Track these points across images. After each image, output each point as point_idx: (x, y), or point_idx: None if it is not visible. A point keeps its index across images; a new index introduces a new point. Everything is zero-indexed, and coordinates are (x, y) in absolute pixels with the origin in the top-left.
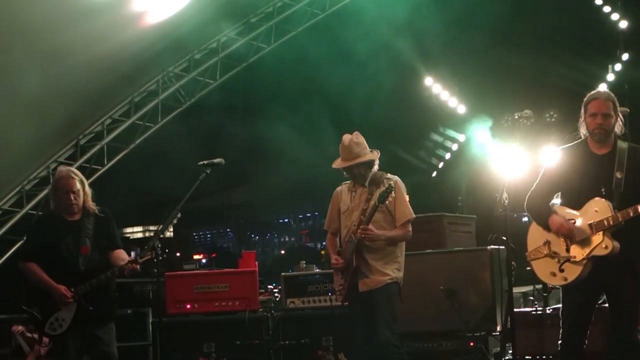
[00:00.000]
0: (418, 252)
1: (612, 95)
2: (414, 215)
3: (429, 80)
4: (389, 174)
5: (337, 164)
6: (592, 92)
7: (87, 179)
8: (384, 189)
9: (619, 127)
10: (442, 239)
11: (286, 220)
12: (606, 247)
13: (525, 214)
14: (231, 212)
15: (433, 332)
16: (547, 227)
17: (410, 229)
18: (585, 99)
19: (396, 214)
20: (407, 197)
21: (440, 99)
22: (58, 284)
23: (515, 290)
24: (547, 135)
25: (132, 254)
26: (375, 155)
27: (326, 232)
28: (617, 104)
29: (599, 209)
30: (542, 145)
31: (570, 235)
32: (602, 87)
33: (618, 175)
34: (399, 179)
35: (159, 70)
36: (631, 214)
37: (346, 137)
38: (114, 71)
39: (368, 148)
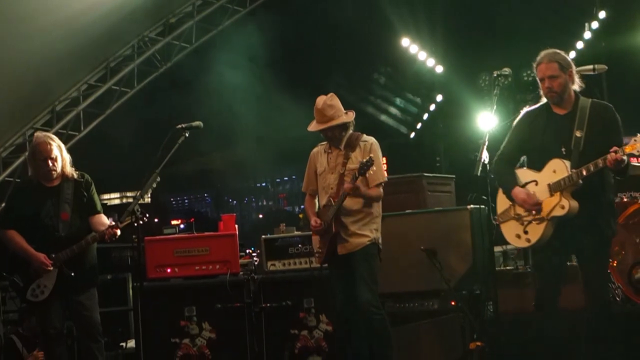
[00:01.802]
0: (398, 213)
1: (559, 54)
2: (387, 179)
3: (405, 41)
4: (364, 135)
5: (312, 126)
6: (538, 57)
7: (64, 144)
8: (365, 160)
9: (577, 84)
10: (421, 199)
11: (264, 184)
12: (563, 207)
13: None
14: (208, 177)
15: (414, 292)
16: (510, 198)
17: (382, 190)
18: (534, 64)
19: (371, 176)
20: (382, 159)
21: (418, 59)
22: (39, 250)
23: (496, 249)
24: (525, 93)
25: (111, 219)
26: (350, 117)
27: (304, 195)
28: (567, 63)
29: (556, 169)
30: (520, 103)
31: (534, 209)
32: (579, 45)
33: (577, 134)
34: (374, 140)
35: (134, 34)
36: (585, 173)
37: (320, 100)
38: (87, 33)
39: (343, 110)
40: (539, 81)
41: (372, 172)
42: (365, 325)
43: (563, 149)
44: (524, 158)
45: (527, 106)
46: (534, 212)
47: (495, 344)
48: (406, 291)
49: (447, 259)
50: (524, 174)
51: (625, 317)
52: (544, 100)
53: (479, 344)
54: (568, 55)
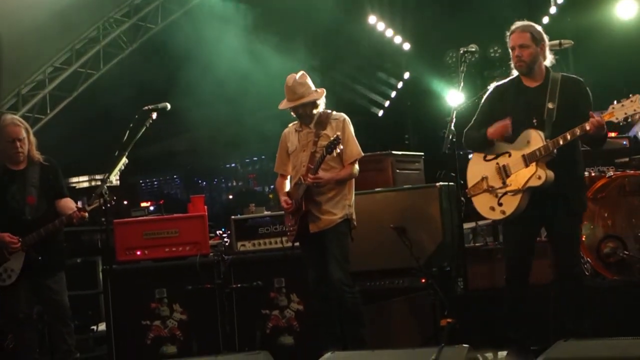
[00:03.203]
0: (367, 191)
1: (533, 26)
2: (362, 154)
3: (372, 19)
4: (334, 112)
5: (283, 104)
6: (512, 26)
7: (31, 128)
8: (332, 139)
9: (549, 60)
10: (390, 177)
11: (232, 165)
12: (539, 177)
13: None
14: (177, 158)
15: (385, 271)
16: (486, 144)
17: (357, 166)
18: (507, 33)
19: (345, 153)
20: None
21: (385, 37)
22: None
23: (465, 225)
24: (492, 70)
25: (80, 202)
26: (320, 95)
27: (274, 175)
28: (540, 35)
29: (531, 139)
30: (487, 80)
31: (508, 130)
32: (545, 20)
33: (550, 105)
34: (346, 116)
35: (99, 16)
36: (561, 142)
37: (290, 78)
38: (52, 15)
39: (313, 87)
40: (510, 50)
41: (340, 150)
42: (337, 303)
43: (535, 121)
44: None
45: (496, 81)
46: (503, 174)
47: (465, 321)
48: (377, 269)
49: (416, 236)
50: (496, 146)
51: (594, 291)
52: (514, 74)
53: (449, 320)
54: None
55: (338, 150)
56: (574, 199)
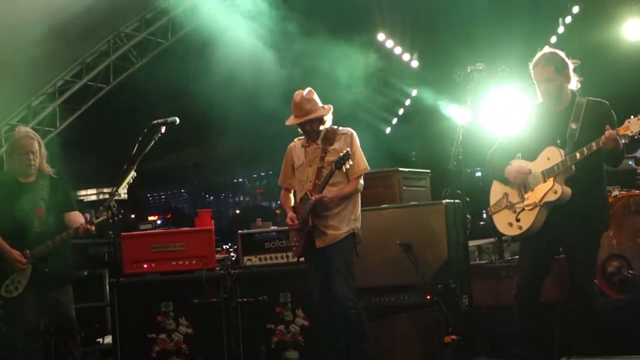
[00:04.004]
0: (373, 208)
1: (556, 56)
2: (369, 169)
3: (381, 36)
4: (341, 128)
5: (290, 120)
6: (535, 58)
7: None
8: (341, 154)
9: (574, 84)
10: (397, 193)
11: (240, 179)
12: (556, 192)
13: (478, 169)
14: (185, 173)
15: (390, 287)
16: (504, 179)
17: (362, 181)
18: (530, 65)
19: (351, 167)
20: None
21: (394, 54)
22: (13, 246)
23: (471, 243)
24: (499, 88)
25: (87, 215)
26: (327, 111)
27: (281, 190)
28: (564, 64)
29: (550, 156)
30: (494, 99)
31: (525, 181)
32: (553, 40)
33: (573, 126)
34: (353, 131)
35: (110, 30)
36: (578, 157)
37: (297, 94)
38: (63, 29)
39: (320, 103)
40: (534, 81)
41: (349, 166)
42: (342, 319)
43: (558, 141)
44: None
45: (511, 98)
46: (522, 190)
47: (470, 338)
48: (382, 285)
49: (422, 253)
50: (517, 163)
51: (598, 310)
52: (539, 97)
53: (454, 337)
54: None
55: (347, 166)
56: (595, 218)
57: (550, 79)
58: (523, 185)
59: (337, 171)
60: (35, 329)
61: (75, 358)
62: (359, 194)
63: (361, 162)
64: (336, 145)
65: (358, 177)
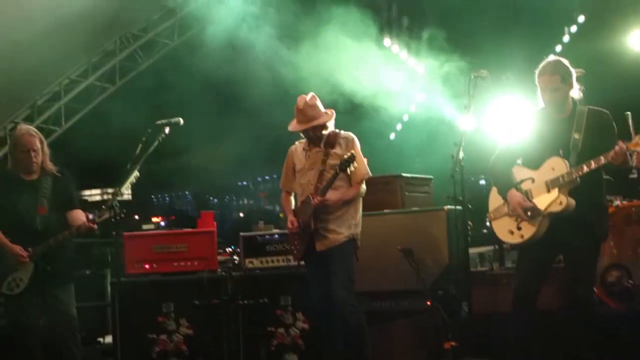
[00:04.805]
0: (375, 213)
1: (561, 65)
2: (370, 174)
3: (387, 41)
4: (342, 132)
5: (292, 126)
6: (540, 66)
7: (45, 139)
8: (346, 157)
9: (577, 93)
10: (399, 199)
11: (244, 183)
12: (561, 203)
13: (482, 177)
14: (189, 175)
15: (390, 292)
16: (505, 199)
17: (364, 186)
18: (537, 70)
19: (353, 172)
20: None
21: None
22: (14, 243)
23: (472, 251)
24: (502, 95)
25: (90, 215)
26: (330, 117)
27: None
28: (569, 73)
29: (555, 167)
30: (497, 105)
31: (525, 215)
32: (558, 49)
33: (575, 136)
34: (354, 136)
35: (117, 30)
36: (585, 170)
37: (300, 100)
38: (70, 28)
39: (323, 109)
40: (539, 89)
41: (354, 169)
42: (342, 323)
43: (561, 150)
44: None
45: (514, 106)
46: (528, 214)
47: (469, 344)
48: (382, 290)
49: (423, 259)
50: (520, 172)
51: (598, 319)
52: (541, 104)
53: (453, 343)
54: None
55: (352, 168)
56: (595, 226)
57: (556, 88)
58: (526, 194)
59: (340, 176)
60: (35, 327)
61: (76, 357)
62: (360, 199)
63: (362, 167)
64: (338, 149)
65: (360, 182)
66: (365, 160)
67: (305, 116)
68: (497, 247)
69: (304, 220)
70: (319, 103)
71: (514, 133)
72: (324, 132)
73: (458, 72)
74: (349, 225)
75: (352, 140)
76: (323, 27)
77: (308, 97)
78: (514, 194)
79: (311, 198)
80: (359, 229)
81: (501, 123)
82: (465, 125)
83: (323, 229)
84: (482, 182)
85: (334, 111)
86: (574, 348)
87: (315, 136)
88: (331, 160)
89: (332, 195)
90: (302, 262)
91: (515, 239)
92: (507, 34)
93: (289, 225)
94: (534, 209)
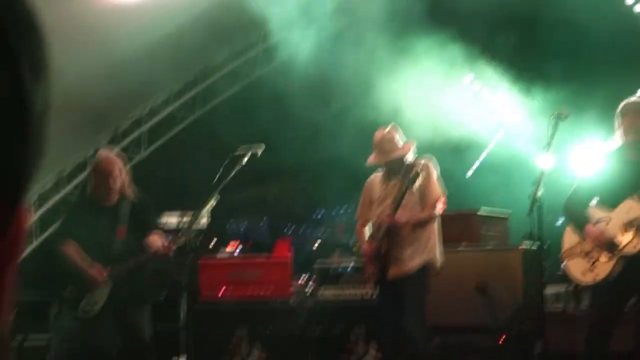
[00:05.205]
0: (451, 249)
1: None
2: (444, 196)
3: (469, 78)
4: (419, 160)
5: (371, 159)
6: (627, 103)
7: (126, 164)
8: (411, 174)
9: None
10: (475, 235)
11: (321, 215)
12: (635, 246)
13: (560, 217)
14: (266, 204)
15: (463, 327)
16: (582, 235)
17: (439, 208)
18: (620, 109)
19: (426, 195)
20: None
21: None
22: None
23: (547, 290)
24: (583, 135)
25: (168, 240)
26: (407, 150)
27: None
28: None
29: (630, 208)
30: (577, 144)
31: (607, 247)
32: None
33: None
34: (431, 160)
35: (199, 61)
36: None
37: (378, 133)
38: (157, 62)
39: (401, 142)
40: (620, 128)
41: (425, 188)
42: (410, 357)
43: (636, 195)
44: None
45: (593, 145)
46: (605, 251)
47: None
48: (455, 326)
49: (497, 295)
50: (595, 213)
51: None
52: (619, 142)
53: None
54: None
55: (420, 180)
56: None
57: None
58: (604, 247)
59: (414, 201)
60: (110, 349)
61: None
62: (436, 224)
63: (436, 189)
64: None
65: (434, 205)
66: (440, 185)
67: (382, 150)
68: (573, 287)
69: (377, 245)
70: (397, 136)
71: (590, 171)
72: (403, 164)
73: (539, 111)
74: (422, 252)
75: (427, 164)
76: (407, 61)
77: (386, 130)
78: (592, 228)
79: (383, 220)
80: (435, 254)
81: (581, 163)
82: (544, 164)
83: (395, 255)
84: (559, 222)
85: (414, 142)
86: None
87: (392, 169)
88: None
89: (403, 216)
90: (377, 290)
91: (588, 280)
92: (590, 72)
93: (364, 249)
94: (613, 243)
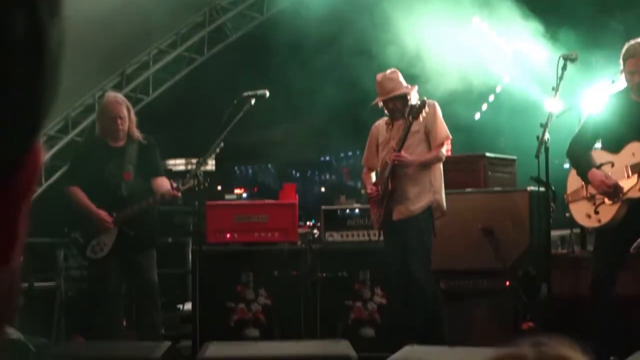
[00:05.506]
0: (457, 191)
1: None
2: (450, 137)
3: (476, 20)
4: (428, 100)
5: (375, 101)
6: (629, 47)
7: (133, 107)
8: (416, 105)
9: None
10: (482, 179)
11: (327, 158)
12: None
13: (566, 161)
14: (273, 148)
15: (469, 271)
16: (586, 181)
17: (444, 150)
18: (623, 52)
19: (432, 135)
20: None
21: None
22: (100, 208)
23: (553, 233)
24: (589, 78)
25: (175, 183)
26: (410, 90)
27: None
28: None
29: (635, 152)
30: (584, 88)
31: (611, 192)
32: None
33: None
34: (435, 102)
35: (206, 2)
36: None
37: (380, 74)
38: (163, 2)
39: (404, 83)
40: (625, 72)
41: (425, 113)
42: (419, 300)
43: None
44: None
45: (598, 89)
46: (610, 194)
47: (547, 326)
48: (461, 269)
49: (504, 239)
50: (599, 156)
51: None
52: (623, 84)
53: (531, 324)
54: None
55: (424, 114)
56: None
57: None
58: (608, 192)
59: (420, 141)
60: (117, 291)
61: (155, 322)
62: (441, 165)
63: (442, 130)
64: (420, 120)
65: (440, 145)
66: (446, 126)
67: (384, 89)
68: (579, 229)
69: (382, 185)
70: (399, 77)
71: (595, 114)
72: (406, 106)
73: (547, 53)
74: (427, 192)
75: (433, 105)
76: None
77: (388, 71)
78: (596, 173)
79: (388, 162)
80: (440, 196)
81: (589, 106)
82: (552, 107)
83: (400, 194)
84: (566, 166)
85: (416, 85)
86: None
87: (395, 109)
88: (414, 127)
89: (409, 155)
90: (382, 231)
91: (592, 223)
92: (601, 14)
93: (370, 191)
94: (617, 188)
